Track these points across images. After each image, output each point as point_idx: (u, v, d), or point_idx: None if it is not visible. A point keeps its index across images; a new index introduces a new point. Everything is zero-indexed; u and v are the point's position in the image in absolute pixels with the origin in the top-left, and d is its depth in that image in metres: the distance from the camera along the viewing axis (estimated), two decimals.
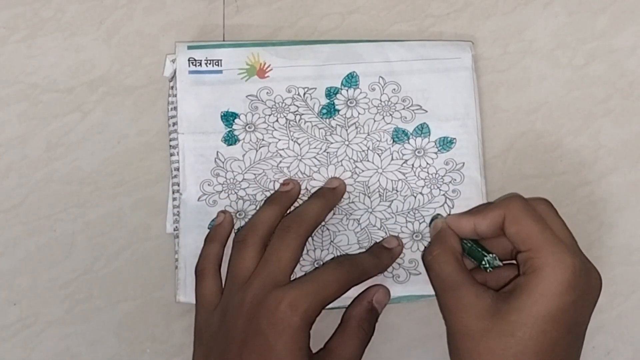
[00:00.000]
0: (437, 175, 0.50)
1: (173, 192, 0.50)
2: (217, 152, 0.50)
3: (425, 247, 0.48)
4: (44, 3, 0.53)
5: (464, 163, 0.50)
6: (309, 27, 0.53)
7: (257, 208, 0.49)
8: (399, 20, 0.53)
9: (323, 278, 0.43)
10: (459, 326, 0.42)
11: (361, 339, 0.45)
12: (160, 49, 0.52)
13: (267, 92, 0.50)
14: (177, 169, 0.50)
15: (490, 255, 0.44)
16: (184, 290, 0.48)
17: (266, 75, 0.51)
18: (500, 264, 0.44)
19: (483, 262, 0.44)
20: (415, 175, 0.50)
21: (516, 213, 0.42)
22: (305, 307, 0.42)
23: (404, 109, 0.50)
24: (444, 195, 0.50)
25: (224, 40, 0.52)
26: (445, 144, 0.50)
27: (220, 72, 0.50)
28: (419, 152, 0.50)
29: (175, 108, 0.50)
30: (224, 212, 0.49)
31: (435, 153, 0.50)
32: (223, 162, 0.50)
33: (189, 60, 0.50)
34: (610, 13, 0.53)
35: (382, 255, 0.47)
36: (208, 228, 0.49)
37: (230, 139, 0.50)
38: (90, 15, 0.53)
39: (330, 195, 0.48)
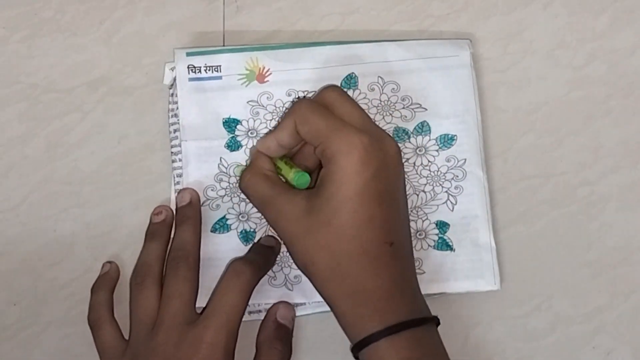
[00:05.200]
0: (439, 173, 0.50)
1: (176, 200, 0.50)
2: (221, 158, 0.50)
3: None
4: (44, 3, 0.53)
5: (465, 159, 0.50)
6: (309, 28, 0.53)
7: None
8: (399, 20, 0.53)
9: (229, 303, 0.44)
10: (285, 233, 0.44)
11: (277, 359, 0.46)
12: (160, 50, 0.52)
13: (268, 97, 0.50)
14: (180, 176, 0.50)
15: (296, 170, 0.46)
16: None
17: (266, 79, 0.50)
18: (308, 177, 0.46)
19: (291, 176, 0.46)
20: (417, 173, 0.50)
21: (303, 113, 0.44)
22: (225, 342, 0.43)
23: (403, 107, 0.50)
24: (446, 192, 0.49)
25: (224, 41, 0.52)
26: (446, 141, 0.50)
27: (220, 77, 0.50)
28: (420, 150, 0.50)
29: (175, 115, 0.50)
30: (110, 262, 0.49)
31: (437, 150, 0.50)
32: (226, 168, 0.50)
33: (188, 67, 0.50)
34: (610, 13, 0.53)
35: (267, 253, 0.48)
36: (211, 231, 0.49)
37: (233, 145, 0.50)
38: (90, 16, 0.53)
39: (190, 211, 0.48)
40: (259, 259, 0.47)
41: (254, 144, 0.50)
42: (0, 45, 0.53)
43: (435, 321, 0.43)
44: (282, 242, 0.49)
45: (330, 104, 0.44)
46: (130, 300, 0.46)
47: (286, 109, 0.50)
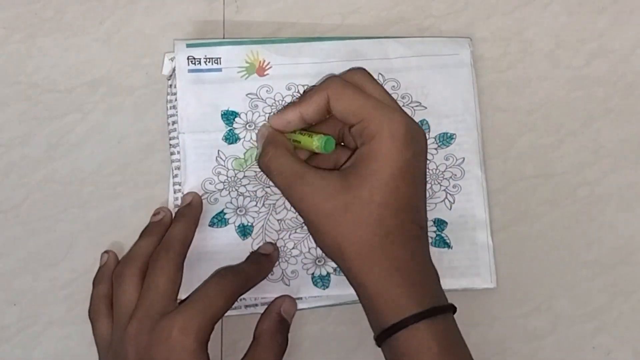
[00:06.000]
0: (437, 171, 0.50)
1: (175, 192, 0.50)
2: (219, 150, 0.50)
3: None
4: (44, 3, 0.53)
5: (464, 158, 0.50)
6: (309, 28, 0.53)
7: (258, 204, 0.49)
8: (399, 20, 0.53)
9: (208, 295, 0.44)
10: (316, 211, 0.43)
11: (275, 351, 0.45)
12: (160, 49, 0.52)
13: (267, 90, 0.50)
14: (178, 168, 0.50)
15: (318, 136, 0.45)
16: (185, 289, 0.47)
17: (266, 73, 0.51)
18: (333, 140, 0.45)
19: (316, 144, 0.45)
20: None
21: (338, 91, 0.44)
22: (196, 329, 0.42)
23: (403, 105, 0.50)
24: (444, 190, 0.50)
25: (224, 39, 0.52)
26: (445, 139, 0.50)
27: (220, 70, 0.50)
28: None
29: (174, 107, 0.50)
30: (107, 252, 0.49)
31: (435, 149, 0.50)
32: (224, 161, 0.50)
33: (188, 58, 0.50)
34: (610, 13, 0.53)
35: (262, 261, 0.48)
36: (209, 225, 0.49)
37: (231, 138, 0.50)
38: (90, 16, 0.53)
39: (188, 211, 0.48)
40: (250, 269, 0.47)
41: (252, 137, 0.50)
42: (0, 45, 0.53)
43: (454, 310, 0.43)
44: (276, 242, 0.49)
45: (359, 85, 0.44)
46: (113, 294, 0.46)
47: (285, 102, 0.50)
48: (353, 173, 0.42)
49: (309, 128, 0.47)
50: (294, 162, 0.44)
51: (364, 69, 0.46)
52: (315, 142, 0.45)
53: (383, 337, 0.41)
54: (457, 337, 0.42)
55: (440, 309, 0.41)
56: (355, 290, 0.43)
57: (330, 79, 0.45)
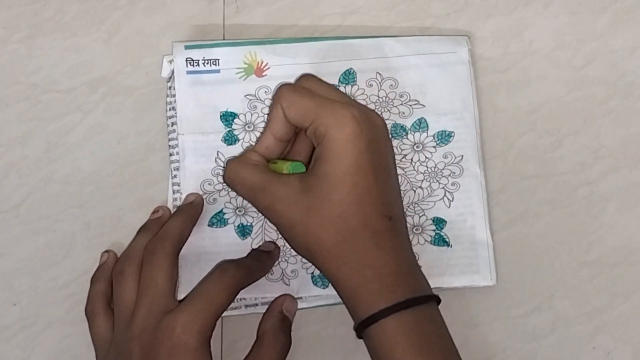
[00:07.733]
0: (436, 169, 0.50)
1: (173, 192, 0.50)
2: (218, 152, 0.50)
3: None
4: (44, 3, 0.53)
5: (462, 156, 0.50)
6: (309, 28, 0.53)
7: None
8: (399, 20, 0.53)
9: (210, 290, 0.43)
10: (282, 218, 0.43)
11: (279, 350, 0.45)
12: (160, 50, 0.52)
13: (266, 91, 0.50)
14: (177, 169, 0.50)
15: (290, 162, 0.46)
16: (185, 289, 0.47)
17: (264, 73, 0.51)
18: (303, 166, 0.46)
19: (288, 167, 0.45)
20: (414, 169, 0.50)
21: (288, 97, 0.44)
22: (199, 326, 0.42)
23: (401, 104, 0.50)
24: (443, 188, 0.50)
25: (223, 40, 0.52)
26: (444, 137, 0.50)
27: (218, 71, 0.50)
28: (417, 147, 0.50)
29: (173, 108, 0.51)
30: (107, 251, 0.49)
31: (434, 147, 0.50)
32: (223, 162, 0.50)
33: (186, 60, 0.50)
34: (610, 13, 0.53)
35: (263, 258, 0.48)
36: (208, 226, 0.49)
37: (230, 139, 0.50)
38: (90, 16, 0.53)
39: (189, 209, 0.48)
40: (252, 264, 0.47)
41: (251, 138, 0.50)
42: (0, 45, 0.53)
43: (437, 299, 0.43)
44: (277, 242, 0.49)
45: (310, 88, 0.45)
46: (113, 292, 0.46)
47: None
48: (311, 175, 0.43)
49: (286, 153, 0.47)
50: (255, 173, 0.45)
51: (312, 74, 0.47)
52: (286, 165, 0.45)
53: (359, 330, 0.42)
54: (433, 329, 0.42)
55: (414, 301, 0.41)
56: (332, 285, 0.43)
57: (280, 89, 0.45)
